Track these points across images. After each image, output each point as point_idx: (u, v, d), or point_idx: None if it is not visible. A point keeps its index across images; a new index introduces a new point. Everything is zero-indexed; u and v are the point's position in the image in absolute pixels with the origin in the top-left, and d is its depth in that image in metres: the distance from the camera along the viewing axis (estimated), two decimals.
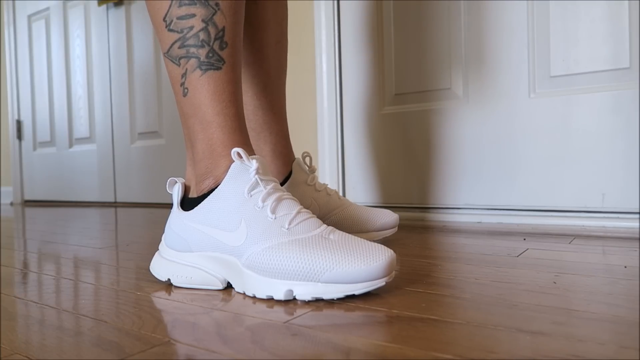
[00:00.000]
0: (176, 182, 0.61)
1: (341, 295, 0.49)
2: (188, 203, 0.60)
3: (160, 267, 0.61)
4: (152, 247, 0.90)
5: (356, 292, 0.49)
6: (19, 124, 2.44)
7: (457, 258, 0.70)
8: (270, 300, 0.51)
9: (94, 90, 2.10)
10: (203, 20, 0.57)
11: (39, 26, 2.32)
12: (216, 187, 0.56)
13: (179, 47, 0.58)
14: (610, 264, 0.63)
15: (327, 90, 1.34)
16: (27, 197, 2.43)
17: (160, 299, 0.54)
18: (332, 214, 0.82)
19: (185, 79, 0.58)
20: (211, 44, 0.57)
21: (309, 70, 1.39)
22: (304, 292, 0.50)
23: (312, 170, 0.84)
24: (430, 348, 0.37)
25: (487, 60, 1.11)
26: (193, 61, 0.57)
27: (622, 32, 0.96)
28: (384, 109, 1.26)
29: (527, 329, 0.40)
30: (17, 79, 2.44)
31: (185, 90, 0.59)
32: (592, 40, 0.99)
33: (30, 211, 1.92)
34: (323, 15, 1.33)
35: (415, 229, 1.02)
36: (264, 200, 0.54)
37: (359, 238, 0.54)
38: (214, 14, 0.57)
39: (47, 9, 2.27)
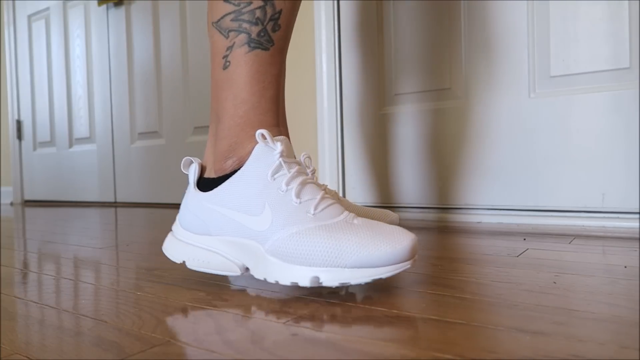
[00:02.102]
0: (192, 161, 0.59)
1: (368, 279, 0.48)
2: (205, 184, 0.58)
3: (174, 249, 0.59)
4: (152, 247, 0.90)
5: (383, 276, 0.48)
6: (19, 124, 2.44)
7: (457, 258, 0.70)
8: (270, 300, 0.51)
9: (94, 90, 2.10)
10: None
11: (39, 26, 2.32)
12: (239, 169, 0.55)
13: (232, 20, 0.56)
14: (610, 264, 0.63)
15: (327, 90, 1.34)
16: (27, 197, 2.43)
17: (160, 299, 0.54)
18: None
19: (230, 52, 0.57)
20: (265, 23, 0.56)
21: (309, 70, 1.39)
22: (330, 278, 0.49)
23: (312, 171, 0.84)
24: (430, 348, 0.37)
25: (487, 60, 1.11)
26: (243, 36, 0.56)
27: (622, 32, 0.96)
28: (384, 109, 1.26)
29: (527, 329, 0.40)
30: (17, 79, 2.44)
31: (227, 63, 0.57)
32: (592, 40, 0.99)
33: (30, 211, 1.92)
34: (323, 15, 1.33)
35: (414, 229, 1.02)
36: (287, 184, 0.53)
37: (382, 223, 0.52)
38: None
39: (47, 9, 2.27)
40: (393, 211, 1.10)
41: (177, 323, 0.45)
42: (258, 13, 0.56)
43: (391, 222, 0.84)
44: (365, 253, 0.48)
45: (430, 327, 0.42)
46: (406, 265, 0.49)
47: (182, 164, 0.60)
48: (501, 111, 1.10)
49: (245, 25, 0.56)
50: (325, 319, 0.45)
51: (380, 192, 1.27)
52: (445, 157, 1.17)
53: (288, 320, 0.45)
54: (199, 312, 0.49)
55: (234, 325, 0.44)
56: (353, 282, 0.48)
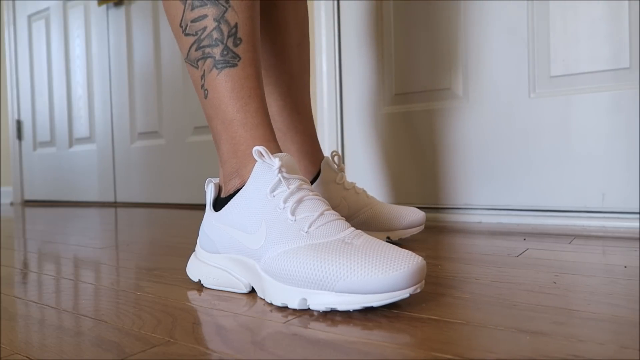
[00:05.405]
0: (211, 182, 0.60)
1: (357, 307, 0.45)
2: (219, 203, 0.59)
3: (193, 268, 0.60)
4: (152, 247, 0.90)
5: (374, 304, 0.45)
6: (19, 124, 2.44)
7: (457, 258, 0.70)
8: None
9: (94, 90, 2.10)
10: (215, 20, 0.56)
11: (39, 26, 2.32)
12: (242, 187, 0.55)
13: (195, 50, 0.58)
14: (610, 264, 0.63)
15: (327, 90, 1.34)
16: (27, 197, 2.43)
17: (160, 299, 0.54)
18: (361, 213, 0.82)
19: (204, 81, 0.58)
20: (225, 41, 0.57)
21: None
22: (318, 302, 0.46)
23: (341, 169, 0.84)
24: (430, 348, 0.37)
25: (487, 60, 1.11)
26: (209, 61, 0.57)
27: (622, 32, 0.96)
28: (384, 109, 1.26)
29: (527, 329, 0.40)
30: (17, 79, 2.44)
31: (206, 92, 0.58)
32: (592, 40, 0.99)
33: (30, 211, 1.92)
34: (323, 15, 1.33)
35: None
36: (285, 201, 0.51)
37: (388, 244, 0.49)
38: (225, 12, 0.57)
39: (47, 9, 2.27)
40: None
41: (177, 323, 0.45)
42: (215, 34, 0.57)
43: (418, 220, 0.83)
44: (354, 278, 0.45)
45: (430, 327, 0.42)
46: (403, 294, 0.44)
47: (205, 184, 0.61)
48: (501, 111, 1.10)
49: (207, 50, 0.57)
50: (325, 319, 0.45)
51: (380, 191, 1.27)
52: (445, 157, 1.17)
53: (288, 320, 0.45)
54: (199, 312, 0.49)
55: (234, 325, 0.44)
56: (340, 308, 0.45)
